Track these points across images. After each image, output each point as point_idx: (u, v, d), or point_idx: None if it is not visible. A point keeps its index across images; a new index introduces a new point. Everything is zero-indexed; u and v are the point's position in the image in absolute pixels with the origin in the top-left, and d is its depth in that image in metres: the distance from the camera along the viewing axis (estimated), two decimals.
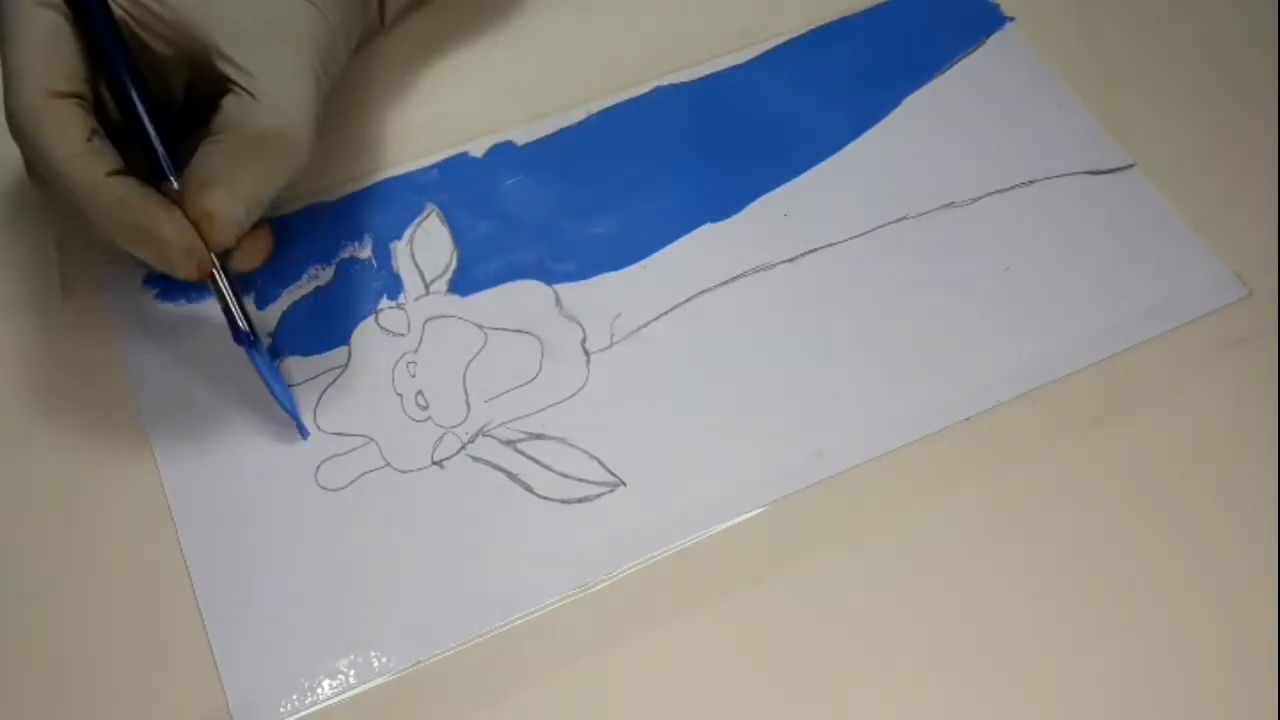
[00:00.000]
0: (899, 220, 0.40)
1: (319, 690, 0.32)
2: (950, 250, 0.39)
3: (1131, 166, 0.41)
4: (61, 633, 0.33)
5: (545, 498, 0.35)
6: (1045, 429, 0.36)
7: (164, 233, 0.32)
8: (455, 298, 0.38)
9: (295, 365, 0.37)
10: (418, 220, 0.40)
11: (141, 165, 0.34)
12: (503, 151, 0.41)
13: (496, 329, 0.38)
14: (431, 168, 0.41)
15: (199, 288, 0.38)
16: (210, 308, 0.38)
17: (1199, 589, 0.33)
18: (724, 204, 0.40)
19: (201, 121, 0.35)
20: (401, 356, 0.37)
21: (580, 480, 0.35)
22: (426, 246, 0.39)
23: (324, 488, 0.35)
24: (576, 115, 0.42)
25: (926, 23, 0.44)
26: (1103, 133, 0.42)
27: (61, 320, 0.38)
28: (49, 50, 0.32)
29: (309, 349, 0.37)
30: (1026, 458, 0.35)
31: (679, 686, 0.32)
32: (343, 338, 0.38)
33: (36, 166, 0.33)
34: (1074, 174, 0.41)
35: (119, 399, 0.36)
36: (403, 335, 0.38)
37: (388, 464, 0.35)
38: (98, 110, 0.33)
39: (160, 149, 0.34)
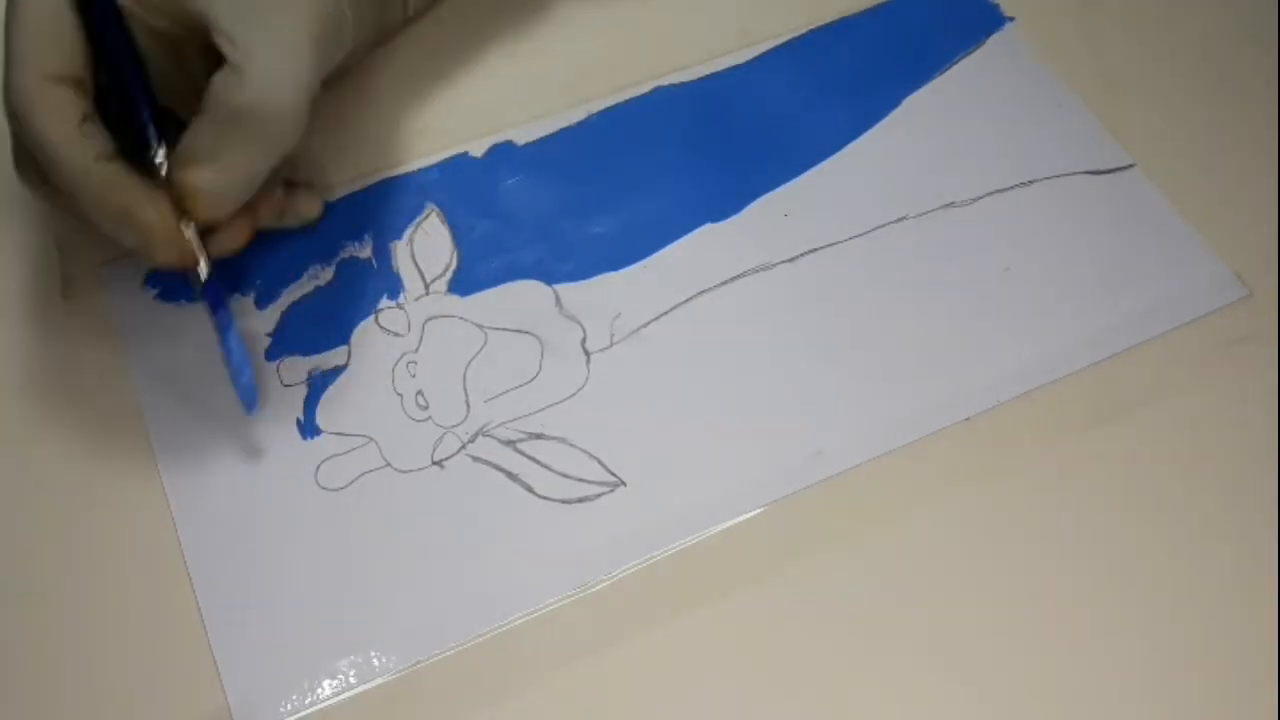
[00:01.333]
0: (899, 220, 0.40)
1: (319, 690, 0.32)
2: (950, 250, 0.39)
3: (1131, 166, 0.41)
4: (61, 633, 0.33)
5: (545, 498, 0.35)
6: (1045, 429, 0.36)
7: (146, 217, 0.32)
8: (455, 297, 0.38)
9: (295, 365, 0.37)
10: (418, 220, 0.40)
11: (134, 149, 0.33)
12: (503, 151, 0.41)
13: (496, 329, 0.38)
14: (431, 168, 0.41)
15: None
16: None
17: (1199, 589, 0.33)
18: (724, 204, 0.40)
19: None
20: (401, 356, 0.37)
21: (580, 480, 0.35)
22: (426, 246, 0.39)
23: (324, 488, 0.35)
24: (576, 115, 0.42)
25: (926, 23, 0.44)
26: (1102, 133, 0.42)
27: (62, 320, 0.38)
28: (50, 33, 0.32)
29: (309, 348, 0.37)
30: (1026, 458, 0.35)
31: (679, 686, 0.32)
32: (343, 337, 0.38)
33: (28, 147, 0.33)
34: (1074, 174, 0.41)
35: (119, 398, 0.36)
36: (403, 335, 0.38)
37: (388, 464, 0.35)
38: (98, 98, 0.33)
39: (147, 116, 0.33)
